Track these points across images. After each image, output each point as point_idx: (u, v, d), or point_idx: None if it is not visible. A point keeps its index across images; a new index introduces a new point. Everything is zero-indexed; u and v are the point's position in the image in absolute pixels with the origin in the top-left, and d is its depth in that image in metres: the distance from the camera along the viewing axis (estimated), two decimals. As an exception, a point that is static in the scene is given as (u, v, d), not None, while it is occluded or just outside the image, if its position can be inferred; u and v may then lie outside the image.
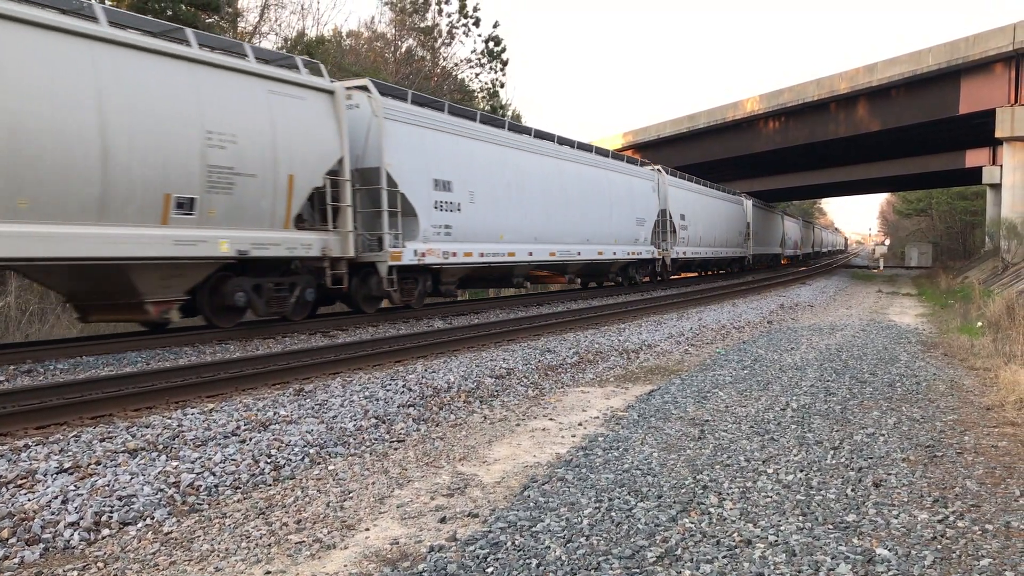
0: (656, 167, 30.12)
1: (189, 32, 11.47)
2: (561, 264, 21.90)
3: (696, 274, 39.02)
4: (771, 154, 41.37)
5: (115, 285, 11.05)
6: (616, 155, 27.13)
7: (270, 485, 5.34)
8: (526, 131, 20.72)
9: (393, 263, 14.69)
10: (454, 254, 16.46)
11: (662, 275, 29.92)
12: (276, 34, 33.86)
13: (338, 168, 13.78)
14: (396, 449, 6.29)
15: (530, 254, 19.52)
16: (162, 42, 10.98)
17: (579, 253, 22.23)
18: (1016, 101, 28.46)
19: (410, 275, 15.74)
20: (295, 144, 12.74)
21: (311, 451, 6.03)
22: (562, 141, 22.37)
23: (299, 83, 13.13)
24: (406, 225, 15.12)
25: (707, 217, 36.60)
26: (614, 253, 24.74)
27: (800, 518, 4.46)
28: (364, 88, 14.78)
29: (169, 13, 23.00)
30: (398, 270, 14.98)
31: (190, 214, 11.19)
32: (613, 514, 4.55)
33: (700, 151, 42.82)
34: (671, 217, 29.71)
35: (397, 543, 4.27)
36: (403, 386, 8.34)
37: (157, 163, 10.66)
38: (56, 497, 4.71)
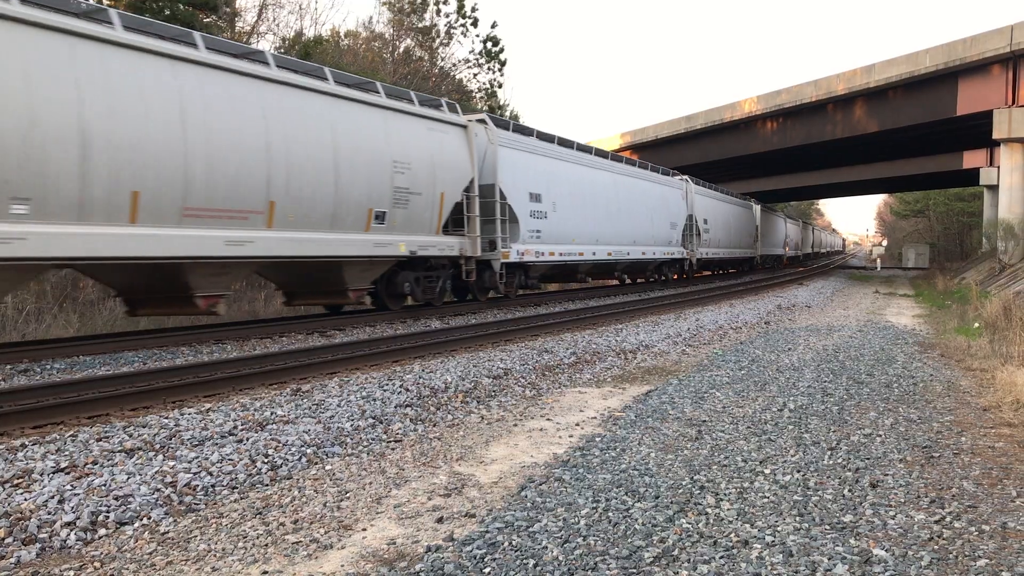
0: (684, 177, 33.59)
1: (379, 84, 15.39)
2: (614, 262, 25.40)
3: (711, 272, 40.27)
4: (769, 155, 41.42)
5: (332, 276, 14.62)
6: (653, 167, 30.46)
7: (267, 485, 5.34)
8: (588, 150, 24.44)
9: (503, 260, 18.46)
10: (542, 254, 20.29)
11: (688, 272, 34.76)
12: (274, 34, 33.87)
13: (470, 186, 17.43)
14: (393, 449, 6.28)
15: (593, 254, 23.31)
16: (366, 94, 14.71)
17: (628, 253, 25.91)
18: (1013, 102, 28.51)
19: (510, 271, 19.35)
20: (444, 168, 16.41)
21: (308, 451, 6.02)
22: (615, 158, 26.96)
23: (446, 120, 16.93)
24: (511, 230, 18.83)
25: (724, 221, 38.73)
26: (654, 253, 28.71)
27: (797, 519, 4.46)
28: (483, 121, 18.58)
29: (167, 12, 22.98)
30: (504, 266, 18.67)
31: (382, 224, 14.86)
32: (610, 514, 4.55)
33: (698, 152, 42.85)
34: (696, 221, 33.50)
35: (394, 543, 4.27)
36: (400, 386, 8.34)
37: (364, 186, 14.29)
38: (52, 497, 4.70)
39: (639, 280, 30.77)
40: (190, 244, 11.13)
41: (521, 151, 19.65)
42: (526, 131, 20.67)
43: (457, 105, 17.67)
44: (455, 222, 17.26)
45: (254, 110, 12.08)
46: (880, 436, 6.38)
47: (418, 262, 16.41)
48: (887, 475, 5.29)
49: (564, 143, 22.58)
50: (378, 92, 14.98)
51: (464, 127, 17.42)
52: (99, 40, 10.06)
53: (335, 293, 15.04)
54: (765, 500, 4.79)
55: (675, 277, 32.62)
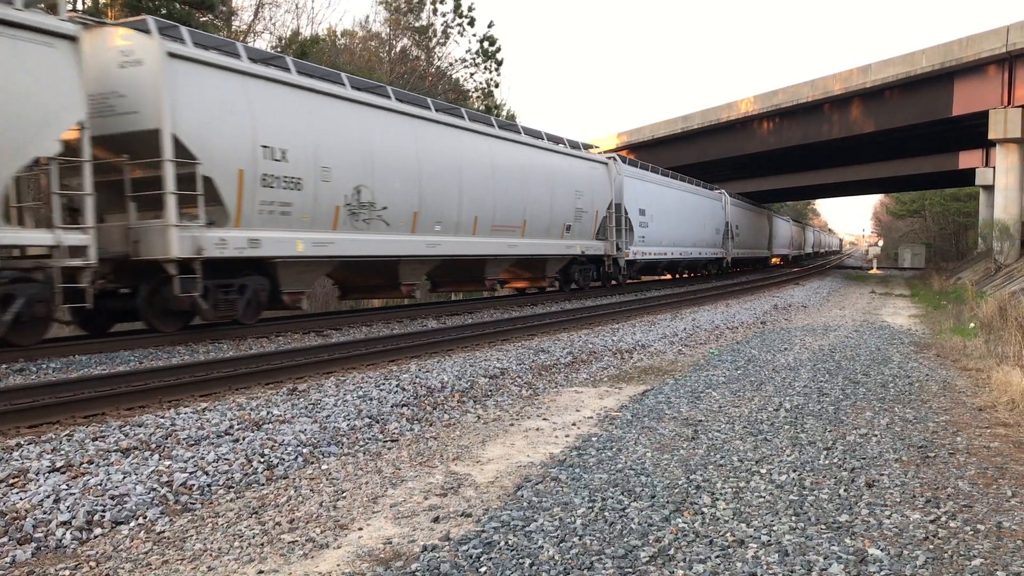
0: (722, 191, 36.95)
1: (564, 137, 23.23)
2: (680, 259, 33.01)
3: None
4: (765, 155, 41.47)
5: (540, 265, 22.28)
6: (705, 185, 37.38)
7: (263, 484, 5.34)
8: (667, 174, 32.02)
9: (626, 258, 26.15)
10: (645, 253, 27.96)
11: (724, 268, 38.19)
12: (271, 33, 33.85)
13: (610, 205, 24.88)
14: (390, 449, 6.28)
15: (670, 253, 30.88)
16: (558, 145, 22.59)
17: (690, 253, 33.95)
18: (1009, 103, 28.57)
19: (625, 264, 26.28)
20: (597, 193, 24.18)
21: (304, 451, 6.02)
22: (680, 178, 33.67)
23: (597, 160, 24.99)
24: (628, 237, 26.26)
25: (749, 227, 40.03)
26: (704, 253, 36.45)
27: (793, 518, 4.47)
28: (613, 158, 26.01)
29: (163, 12, 22.95)
30: (624, 262, 26.08)
31: (569, 233, 22.61)
32: (606, 514, 4.55)
33: (694, 152, 42.87)
34: (732, 228, 35.91)
35: (390, 543, 4.27)
36: (397, 386, 8.33)
37: (561, 208, 22.05)
38: (48, 496, 4.69)
39: (692, 275, 37.64)
40: (490, 247, 18.87)
41: (634, 178, 27.29)
42: (634, 163, 28.72)
43: (596, 147, 26.66)
44: (598, 231, 24.45)
45: (514, 167, 19.88)
46: (876, 436, 6.39)
47: (580, 259, 23.65)
48: (883, 475, 5.30)
49: (653, 170, 30.64)
50: (564, 143, 22.98)
51: (606, 164, 25.17)
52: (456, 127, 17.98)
53: (539, 278, 22.86)
54: (761, 500, 4.80)
55: (716, 272, 39.50)
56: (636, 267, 27.86)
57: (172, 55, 11.18)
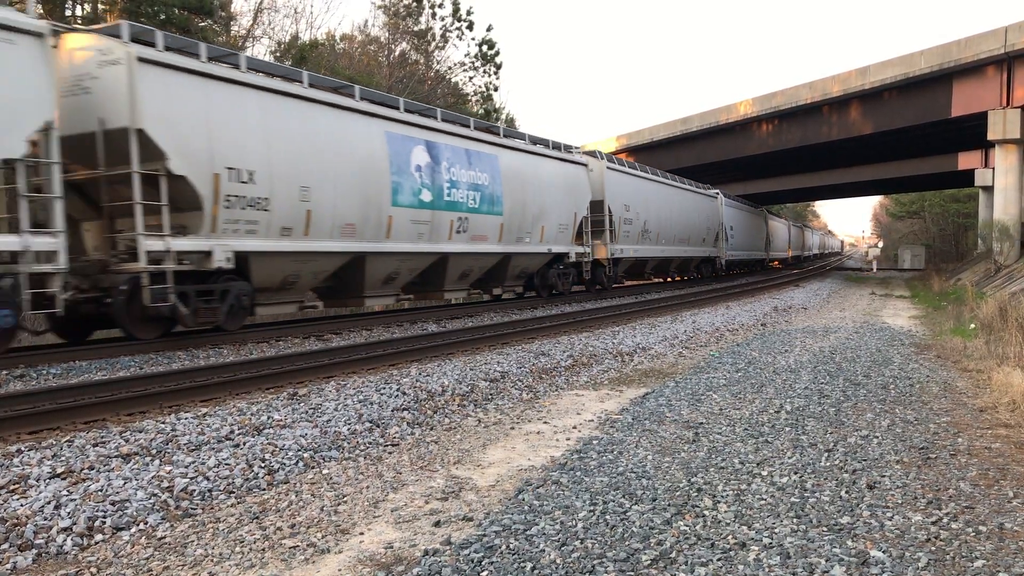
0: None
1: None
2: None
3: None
4: (764, 157, 41.47)
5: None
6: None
7: (264, 489, 5.33)
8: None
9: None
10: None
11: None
12: (269, 38, 33.89)
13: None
14: (390, 453, 6.28)
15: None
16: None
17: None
18: (1008, 104, 28.58)
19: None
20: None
21: (305, 455, 6.02)
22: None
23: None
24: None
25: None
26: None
27: (794, 520, 4.46)
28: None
29: (162, 17, 22.98)
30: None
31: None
32: (608, 517, 4.55)
33: (693, 154, 42.89)
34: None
35: (392, 547, 4.26)
36: (397, 390, 8.33)
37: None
38: (49, 502, 4.69)
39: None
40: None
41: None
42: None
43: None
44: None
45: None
46: (877, 437, 6.38)
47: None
48: (884, 476, 5.30)
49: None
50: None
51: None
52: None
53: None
54: (762, 502, 4.79)
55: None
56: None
57: (608, 168, 22.09)
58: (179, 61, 11.68)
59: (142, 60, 11.08)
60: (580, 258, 23.47)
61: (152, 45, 11.41)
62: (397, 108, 16.23)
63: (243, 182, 12.35)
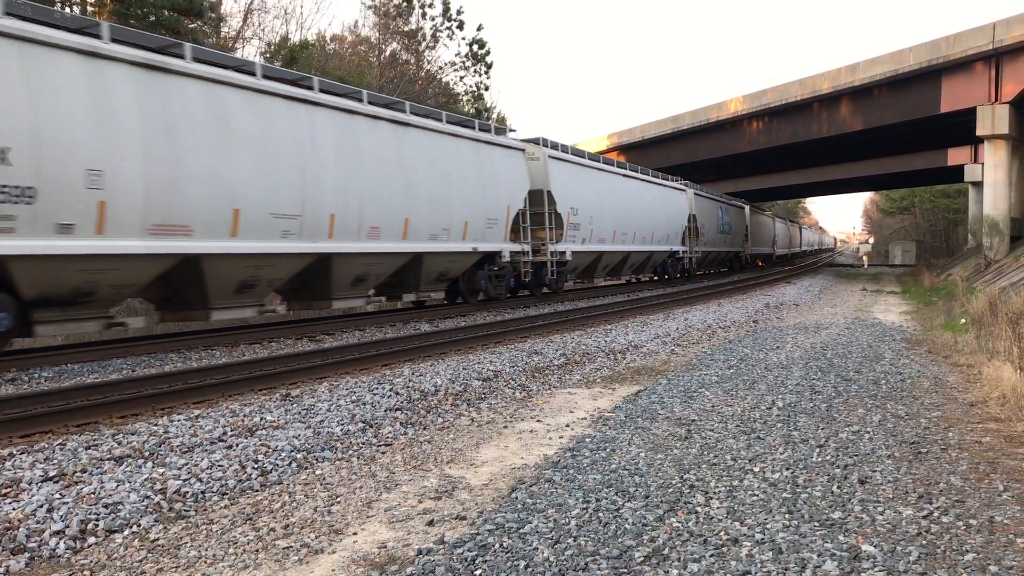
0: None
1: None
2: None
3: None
4: (755, 154, 41.59)
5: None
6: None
7: (257, 491, 5.33)
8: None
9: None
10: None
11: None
12: (259, 39, 33.82)
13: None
14: (384, 453, 6.28)
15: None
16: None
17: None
18: (997, 99, 28.69)
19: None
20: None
21: (298, 456, 6.02)
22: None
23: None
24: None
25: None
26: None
27: (786, 516, 4.48)
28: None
29: (152, 19, 22.92)
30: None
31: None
32: (601, 515, 4.56)
33: (685, 152, 42.98)
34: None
35: (385, 547, 4.27)
36: (390, 390, 8.34)
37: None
38: (41, 506, 4.68)
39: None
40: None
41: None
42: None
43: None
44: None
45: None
46: (868, 433, 6.41)
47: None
48: (875, 471, 5.32)
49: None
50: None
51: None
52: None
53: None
54: (755, 498, 4.82)
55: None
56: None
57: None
58: (560, 156, 18.28)
59: (551, 157, 21.53)
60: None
61: (555, 148, 21.66)
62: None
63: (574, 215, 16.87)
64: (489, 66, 42.41)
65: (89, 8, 25.16)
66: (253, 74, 12.86)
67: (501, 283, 20.11)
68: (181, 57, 11.57)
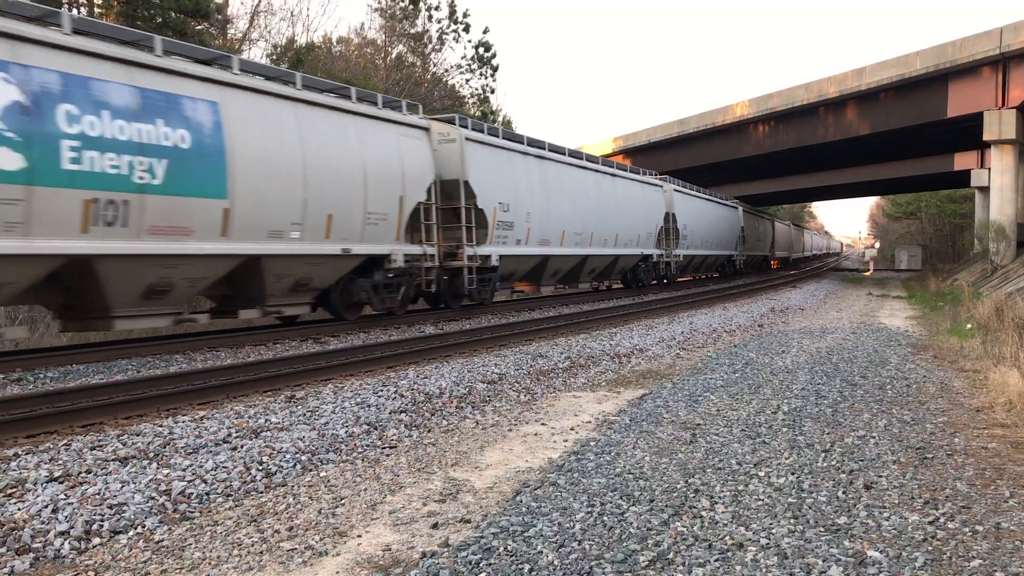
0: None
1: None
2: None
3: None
4: (761, 158, 41.56)
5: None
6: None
7: (262, 492, 5.33)
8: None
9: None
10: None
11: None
12: (266, 40, 33.86)
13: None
14: (388, 455, 6.28)
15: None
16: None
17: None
18: (1003, 104, 28.64)
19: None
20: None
21: (303, 458, 6.02)
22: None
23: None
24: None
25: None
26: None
27: (792, 521, 4.47)
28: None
29: (159, 20, 22.96)
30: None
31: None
32: (605, 518, 4.55)
33: (691, 156, 42.95)
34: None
35: (390, 549, 4.27)
36: (395, 392, 8.33)
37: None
38: (46, 506, 4.68)
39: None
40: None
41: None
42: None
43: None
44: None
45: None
46: (874, 438, 6.39)
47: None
48: (881, 476, 5.31)
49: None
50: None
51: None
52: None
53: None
54: (760, 502, 4.80)
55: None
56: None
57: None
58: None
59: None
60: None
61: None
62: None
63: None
64: (495, 69, 42.39)
65: (96, 10, 25.24)
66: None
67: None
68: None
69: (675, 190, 31.72)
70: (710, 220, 37.25)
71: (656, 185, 30.03)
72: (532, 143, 21.32)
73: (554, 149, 22.40)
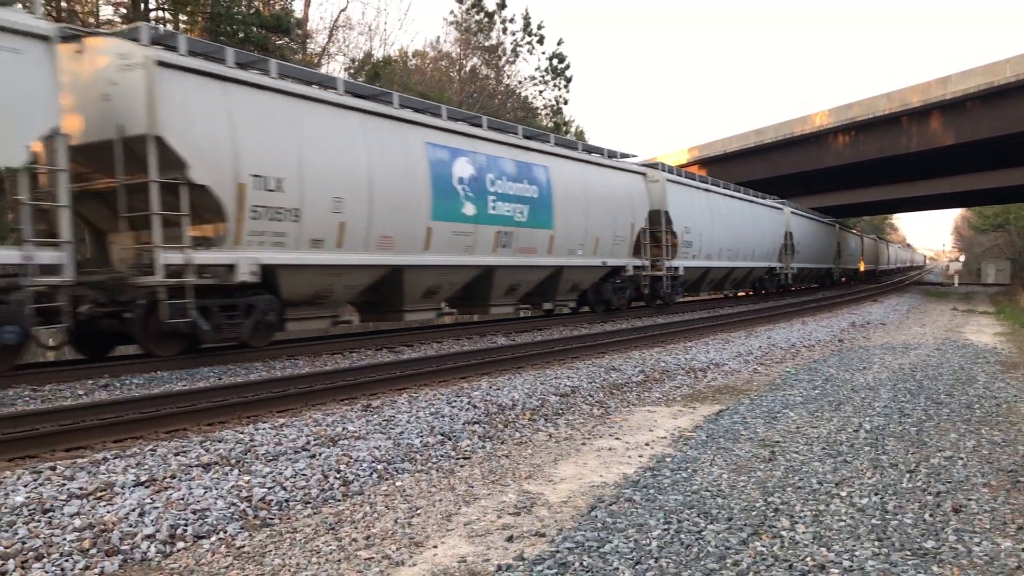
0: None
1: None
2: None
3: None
4: (840, 169, 40.63)
5: None
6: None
7: (339, 500, 5.40)
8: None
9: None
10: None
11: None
12: (344, 55, 34.52)
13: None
14: (462, 466, 6.30)
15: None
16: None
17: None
18: (1099, 112, 27.49)
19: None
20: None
21: (379, 467, 6.08)
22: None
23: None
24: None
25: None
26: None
27: (876, 543, 4.34)
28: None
29: (241, 35, 23.61)
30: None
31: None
32: (682, 536, 4.49)
33: (767, 166, 42.25)
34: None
35: (465, 561, 4.28)
36: (468, 403, 8.36)
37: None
38: (134, 510, 4.82)
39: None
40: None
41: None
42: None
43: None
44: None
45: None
46: (962, 459, 6.18)
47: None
48: (970, 500, 5.12)
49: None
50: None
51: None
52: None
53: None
54: (842, 523, 4.68)
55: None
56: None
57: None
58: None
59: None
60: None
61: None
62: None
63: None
64: (569, 80, 42.49)
65: (181, 26, 26.08)
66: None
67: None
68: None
69: (792, 212, 37.03)
70: (816, 237, 42.67)
71: (778, 208, 35.56)
72: (702, 180, 27.59)
73: (714, 184, 28.41)
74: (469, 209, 15.62)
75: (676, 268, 23.40)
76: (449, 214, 15.13)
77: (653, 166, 23.51)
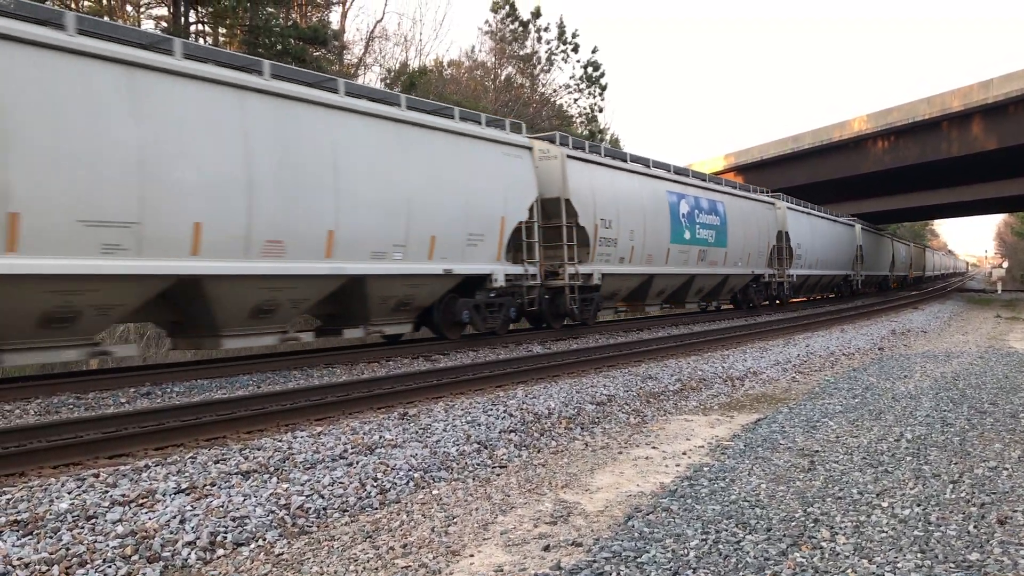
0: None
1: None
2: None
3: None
4: (880, 174, 40.11)
5: None
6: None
7: (376, 509, 5.43)
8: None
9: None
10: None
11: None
12: (380, 65, 34.79)
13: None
14: (498, 475, 6.31)
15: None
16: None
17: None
18: None
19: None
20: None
21: (416, 475, 6.10)
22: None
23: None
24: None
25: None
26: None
27: (919, 555, 4.27)
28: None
29: (279, 47, 23.87)
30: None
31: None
32: (720, 546, 4.45)
33: (805, 172, 41.84)
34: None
35: (501, 570, 4.28)
36: (504, 411, 8.36)
37: None
38: (174, 516, 4.88)
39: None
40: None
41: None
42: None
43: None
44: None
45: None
46: (1007, 469, 6.06)
47: None
48: (1016, 511, 5.02)
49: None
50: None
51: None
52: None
53: None
54: (883, 535, 4.61)
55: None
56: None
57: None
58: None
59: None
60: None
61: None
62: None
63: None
64: (604, 87, 42.44)
65: (221, 39, 26.45)
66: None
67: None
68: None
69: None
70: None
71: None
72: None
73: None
74: (687, 235, 22.09)
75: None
76: (677, 238, 21.60)
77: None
